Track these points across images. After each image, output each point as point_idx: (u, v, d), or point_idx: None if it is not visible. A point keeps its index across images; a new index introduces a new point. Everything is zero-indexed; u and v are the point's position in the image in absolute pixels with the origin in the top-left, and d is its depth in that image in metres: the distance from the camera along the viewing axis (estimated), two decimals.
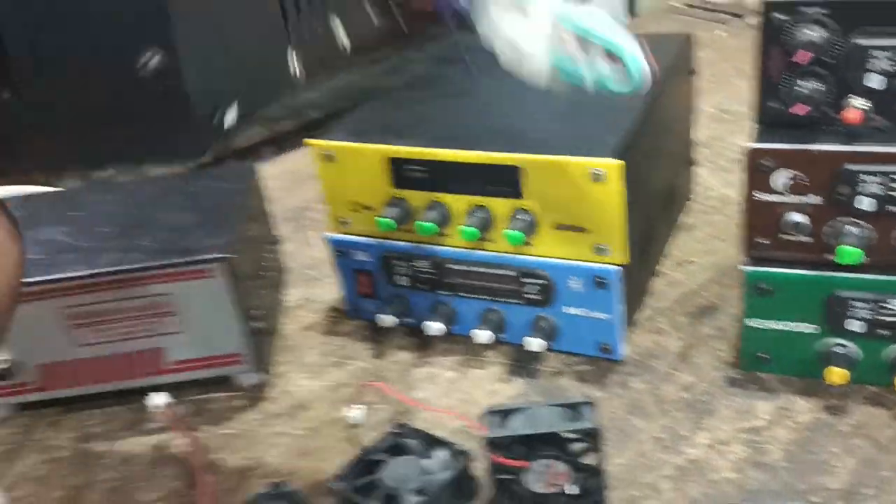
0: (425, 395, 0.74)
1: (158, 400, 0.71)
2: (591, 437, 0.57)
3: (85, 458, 0.71)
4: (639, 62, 0.55)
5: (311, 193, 1.11)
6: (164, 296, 0.71)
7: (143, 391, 0.73)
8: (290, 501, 0.59)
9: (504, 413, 0.60)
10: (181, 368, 0.74)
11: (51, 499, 0.68)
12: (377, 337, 0.82)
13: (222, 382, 0.76)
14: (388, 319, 0.79)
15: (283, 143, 1.29)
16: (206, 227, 0.74)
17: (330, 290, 0.90)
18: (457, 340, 0.79)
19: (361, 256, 0.80)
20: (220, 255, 0.69)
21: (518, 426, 0.59)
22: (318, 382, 0.77)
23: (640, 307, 0.80)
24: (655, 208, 0.81)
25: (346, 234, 0.80)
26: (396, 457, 0.63)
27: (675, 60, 0.82)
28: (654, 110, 0.76)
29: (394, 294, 0.80)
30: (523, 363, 0.75)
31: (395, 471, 0.62)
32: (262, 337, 0.77)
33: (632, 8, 2.08)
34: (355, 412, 0.71)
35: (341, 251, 0.81)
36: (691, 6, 1.64)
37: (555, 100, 0.72)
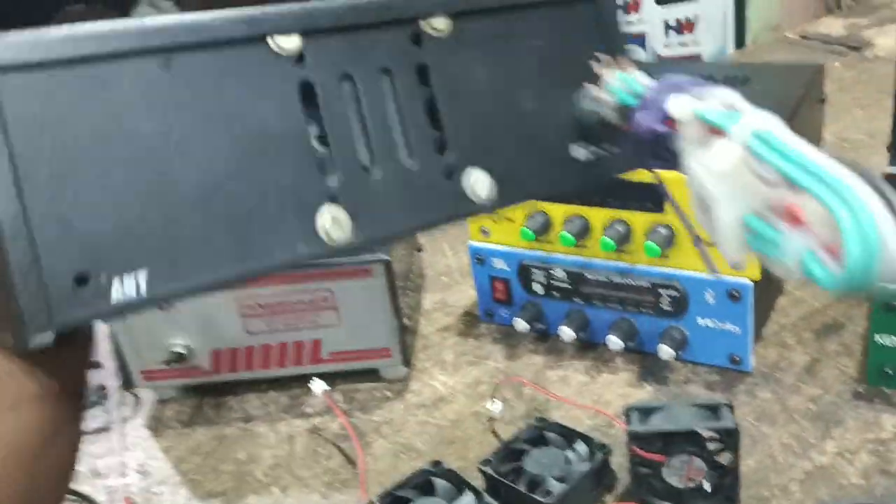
0: (560, 395, 0.79)
1: (318, 386, 0.78)
2: (729, 437, 0.62)
3: (249, 437, 0.79)
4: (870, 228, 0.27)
5: None
6: (328, 291, 0.78)
7: (301, 379, 0.81)
8: (448, 479, 0.64)
9: (645, 410, 0.65)
10: (336, 359, 0.81)
11: (219, 470, 0.76)
12: (510, 341, 0.88)
13: (371, 374, 0.83)
14: (521, 324, 0.84)
15: None
16: None
17: (463, 295, 0.96)
18: (588, 347, 0.84)
19: (499, 264, 0.86)
20: (381, 257, 0.76)
21: (658, 422, 0.64)
22: (456, 378, 0.83)
23: (767, 322, 0.83)
24: None
25: (485, 242, 0.86)
26: (539, 447, 0.69)
27: (808, 89, 0.86)
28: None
29: (528, 301, 0.86)
30: (653, 370, 0.80)
31: (538, 459, 0.67)
32: (407, 334, 0.84)
33: (740, 39, 2.09)
34: (495, 406, 0.77)
35: (480, 258, 0.87)
36: (805, 38, 1.66)
37: None
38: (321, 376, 0.81)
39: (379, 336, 0.80)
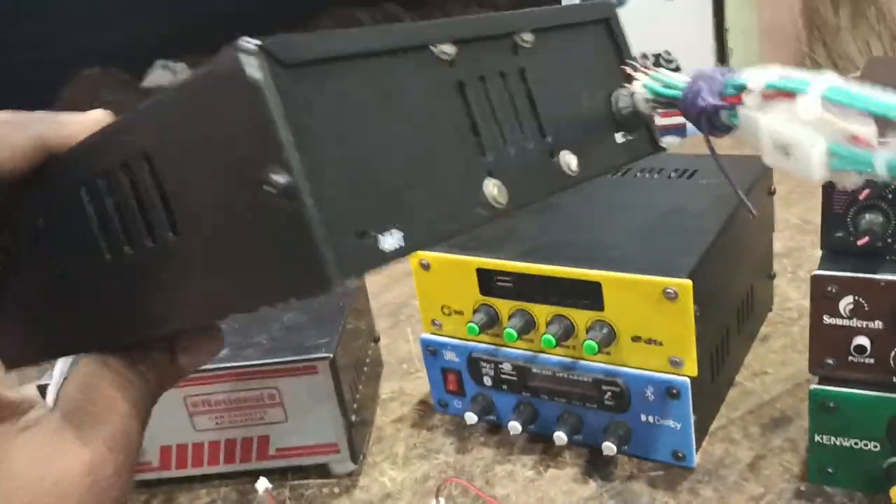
0: (506, 493, 0.79)
1: (262, 485, 0.78)
2: None
3: None
4: None
5: (408, 289, 1.20)
6: (274, 389, 0.79)
7: (252, 474, 0.81)
8: None
9: None
10: (285, 455, 0.82)
11: None
12: (462, 433, 0.88)
13: (321, 469, 0.84)
14: (472, 417, 0.84)
15: None
16: (315, 325, 0.83)
17: (421, 384, 0.97)
18: (536, 440, 0.84)
19: (450, 356, 0.87)
20: (326, 355, 0.77)
21: None
22: (405, 474, 0.83)
23: (716, 416, 0.83)
24: (731, 321, 0.85)
25: (437, 334, 0.87)
26: None
27: (756, 181, 0.87)
28: (730, 229, 0.81)
29: (479, 392, 0.86)
30: (599, 465, 0.80)
31: None
32: (357, 428, 0.84)
33: None
34: None
35: (432, 350, 0.87)
36: None
37: (637, 217, 0.79)
38: (271, 471, 0.81)
39: (326, 432, 0.81)
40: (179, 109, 0.32)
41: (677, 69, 2.30)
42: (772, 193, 0.93)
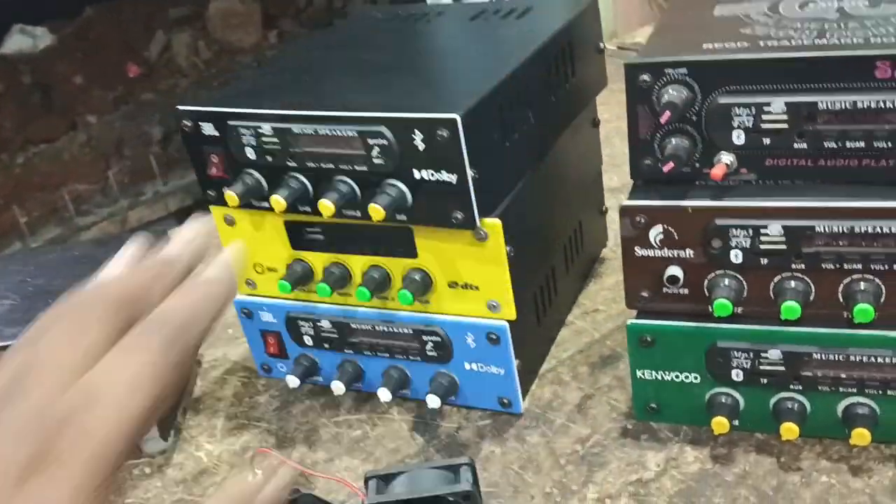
0: (329, 456, 0.74)
1: None
2: (467, 500, 0.58)
3: None
4: None
5: None
6: None
7: None
8: None
9: (385, 477, 0.61)
10: None
11: None
12: (287, 397, 0.82)
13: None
14: (294, 380, 0.79)
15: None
16: None
17: (245, 349, 0.90)
18: (364, 398, 0.80)
19: (267, 317, 0.81)
20: None
21: (398, 490, 0.59)
22: (223, 447, 0.77)
23: (545, 359, 0.81)
24: (557, 260, 0.82)
25: (252, 295, 0.81)
26: None
27: (579, 118, 0.84)
28: (549, 165, 0.77)
29: (301, 353, 0.81)
30: (426, 419, 0.76)
31: None
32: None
33: None
34: (255, 479, 0.71)
35: (247, 312, 0.81)
36: (622, 48, 1.68)
37: None
38: None
39: None
40: None
41: None
42: (596, 125, 0.91)
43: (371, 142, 0.65)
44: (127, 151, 2.95)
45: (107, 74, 3.09)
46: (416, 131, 0.63)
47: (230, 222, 0.77)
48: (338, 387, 0.77)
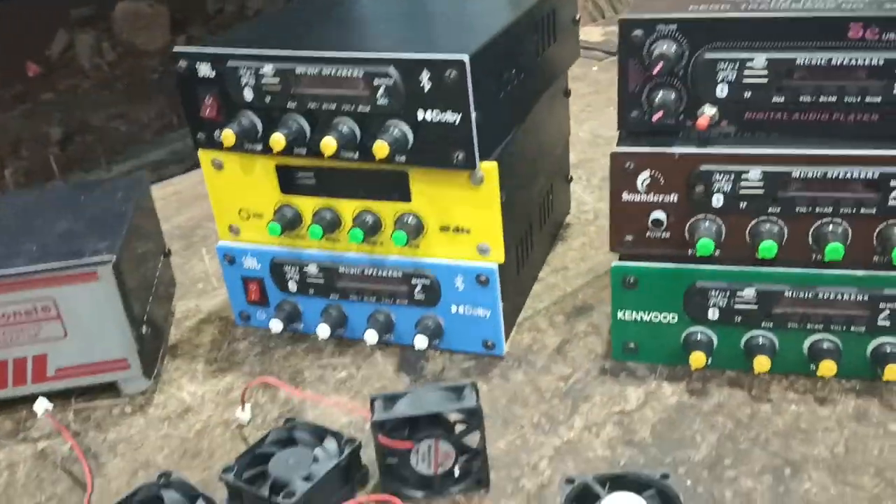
0: (317, 394, 0.75)
1: (41, 407, 0.70)
2: (473, 417, 0.61)
3: None
4: None
5: (199, 212, 1.12)
6: (49, 300, 0.70)
7: (29, 400, 0.72)
8: (180, 490, 0.59)
9: (390, 398, 0.63)
10: (66, 375, 0.73)
11: None
12: (267, 343, 0.83)
13: (109, 390, 0.76)
14: (277, 325, 0.80)
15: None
16: (94, 231, 0.74)
17: (219, 300, 0.91)
18: (347, 344, 0.81)
19: (251, 263, 0.81)
20: (107, 257, 0.70)
21: (403, 409, 0.61)
22: (206, 388, 0.78)
23: (522, 308, 0.84)
24: (534, 217, 0.85)
25: (235, 241, 0.81)
26: (287, 449, 0.64)
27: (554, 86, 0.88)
28: (530, 124, 0.81)
29: (284, 300, 0.82)
30: (411, 361, 0.78)
31: (284, 461, 0.63)
32: (149, 342, 0.77)
33: None
34: (245, 413, 0.72)
35: (230, 258, 0.82)
36: None
37: None
38: (51, 395, 0.73)
39: (113, 346, 0.73)
40: None
41: None
42: (567, 94, 0.95)
43: (377, 82, 0.67)
44: (24, 151, 2.86)
45: (5, 73, 3.00)
46: (425, 71, 0.65)
47: (218, 166, 0.78)
48: (323, 329, 0.78)
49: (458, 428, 0.62)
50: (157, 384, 0.78)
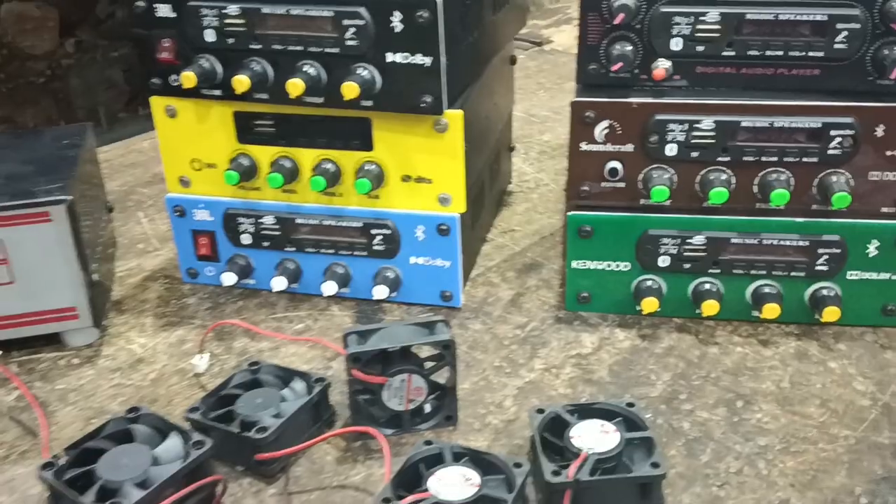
0: (275, 344, 0.74)
1: None
2: (446, 349, 0.61)
3: None
4: None
5: (131, 179, 1.10)
6: None
7: None
8: (151, 424, 0.57)
9: (363, 333, 0.63)
10: (10, 324, 0.70)
11: None
12: (217, 299, 0.82)
13: (52, 342, 0.73)
14: (230, 278, 0.79)
15: None
16: (43, 174, 0.72)
17: (162, 259, 0.89)
18: (301, 299, 0.81)
19: (202, 216, 0.80)
20: (61, 197, 0.67)
21: (376, 342, 0.62)
22: (157, 340, 0.76)
23: (474, 265, 0.86)
24: (485, 176, 0.87)
25: (186, 193, 0.80)
26: (253, 391, 0.64)
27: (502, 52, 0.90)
28: (485, 82, 0.82)
29: (236, 254, 0.80)
30: (368, 313, 0.78)
31: (251, 401, 0.62)
32: (98, 291, 0.75)
33: None
34: (200, 360, 0.71)
35: (180, 210, 0.80)
36: None
37: None
38: None
39: (62, 294, 0.71)
40: None
41: None
42: (513, 62, 0.97)
43: (346, 23, 0.67)
44: None
45: None
46: (396, 12, 0.66)
47: (172, 114, 0.76)
48: (279, 282, 0.77)
49: (429, 363, 0.63)
50: (103, 338, 0.76)
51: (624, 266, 0.75)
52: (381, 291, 0.76)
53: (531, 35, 1.66)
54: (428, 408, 0.64)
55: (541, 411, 0.60)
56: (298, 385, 0.64)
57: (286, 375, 0.65)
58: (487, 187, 0.89)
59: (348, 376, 0.61)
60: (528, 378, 0.69)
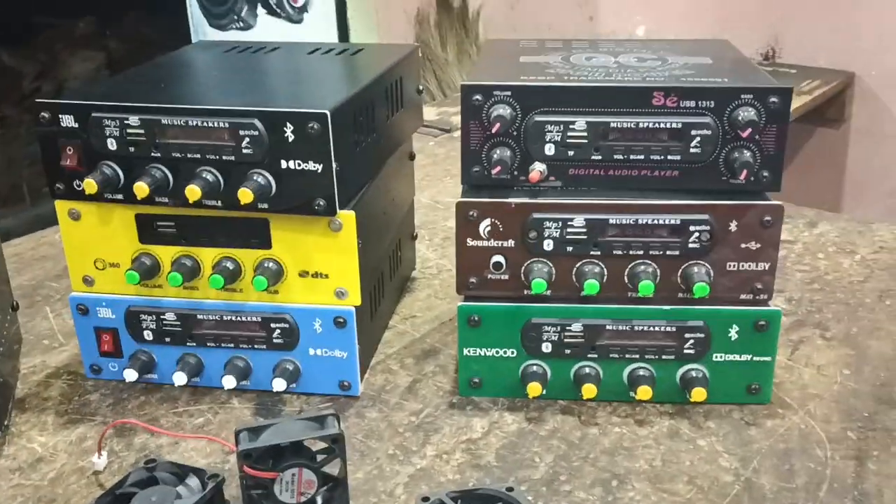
0: (174, 440, 0.76)
1: None
2: (336, 443, 0.65)
3: None
4: None
5: (41, 273, 1.11)
6: None
7: None
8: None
9: (255, 430, 0.66)
10: None
11: None
12: (120, 395, 0.83)
13: None
14: (132, 374, 0.81)
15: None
16: None
17: (68, 357, 0.90)
18: (203, 392, 0.83)
19: (105, 313, 0.82)
20: None
21: (267, 438, 0.65)
22: (58, 438, 0.77)
23: (374, 353, 0.89)
24: (384, 267, 0.92)
25: (89, 291, 0.82)
26: (149, 489, 0.65)
27: (401, 148, 0.95)
28: (382, 181, 0.88)
29: (138, 350, 0.82)
30: (268, 405, 0.81)
31: (146, 499, 0.64)
32: (1, 393, 0.76)
33: None
34: (101, 459, 0.72)
35: (83, 309, 0.82)
36: None
37: None
38: None
39: None
40: None
41: None
42: (412, 158, 1.03)
43: (242, 133, 0.72)
44: None
45: None
46: (288, 124, 0.71)
47: (75, 217, 0.79)
48: (179, 377, 0.80)
49: (320, 456, 0.66)
50: (5, 437, 0.77)
51: (511, 352, 0.80)
52: (279, 384, 0.79)
53: (440, 122, 1.74)
54: (319, 500, 0.66)
55: (426, 500, 0.63)
56: (193, 482, 0.66)
57: (182, 472, 0.67)
58: (387, 277, 0.93)
59: (240, 472, 0.63)
60: (419, 465, 0.73)
